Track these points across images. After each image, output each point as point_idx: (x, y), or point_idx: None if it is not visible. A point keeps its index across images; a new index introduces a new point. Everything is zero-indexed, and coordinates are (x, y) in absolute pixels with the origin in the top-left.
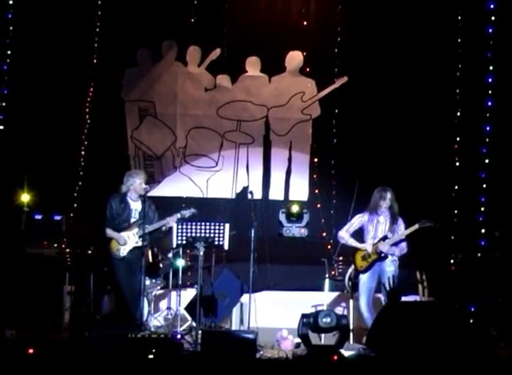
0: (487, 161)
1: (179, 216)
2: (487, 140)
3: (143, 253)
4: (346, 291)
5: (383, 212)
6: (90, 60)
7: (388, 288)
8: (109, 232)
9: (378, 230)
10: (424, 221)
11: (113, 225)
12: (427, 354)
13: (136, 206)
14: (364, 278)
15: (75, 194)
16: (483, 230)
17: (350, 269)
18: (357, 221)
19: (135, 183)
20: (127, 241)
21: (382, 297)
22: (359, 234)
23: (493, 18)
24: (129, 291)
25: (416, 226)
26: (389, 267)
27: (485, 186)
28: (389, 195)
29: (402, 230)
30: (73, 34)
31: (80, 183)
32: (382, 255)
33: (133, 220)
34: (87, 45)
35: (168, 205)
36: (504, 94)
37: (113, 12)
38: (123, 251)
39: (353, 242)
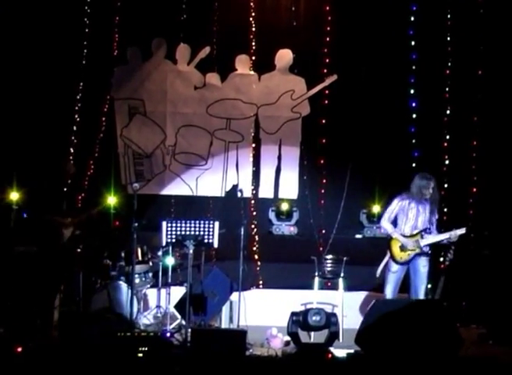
0: (476, 158)
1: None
2: (476, 138)
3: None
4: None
5: (423, 201)
6: (80, 58)
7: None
8: None
9: (418, 220)
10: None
11: None
12: (416, 352)
13: None
14: (395, 267)
15: (64, 192)
16: (472, 229)
17: (386, 258)
18: (398, 206)
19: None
20: None
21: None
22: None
23: (482, 16)
24: None
25: (463, 230)
26: (424, 267)
27: (474, 184)
28: (432, 185)
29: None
30: (62, 32)
31: (70, 181)
32: (424, 250)
33: None
34: (76, 43)
35: (157, 204)
36: (494, 92)
37: (102, 9)
38: None
39: (397, 235)
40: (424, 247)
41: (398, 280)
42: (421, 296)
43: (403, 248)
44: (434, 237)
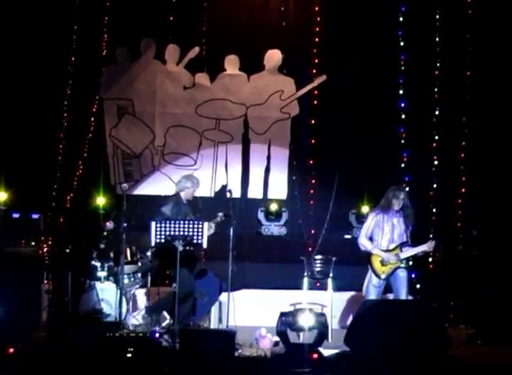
0: (465, 159)
1: (218, 220)
2: (465, 138)
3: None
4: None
5: (396, 214)
6: (68, 58)
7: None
8: None
9: (394, 233)
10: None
11: None
12: (404, 352)
13: (186, 210)
14: (377, 282)
15: (53, 193)
16: (461, 229)
17: (369, 274)
18: (373, 222)
19: (192, 189)
20: None
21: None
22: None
23: (471, 17)
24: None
25: (436, 242)
26: (403, 272)
27: (463, 184)
28: (402, 195)
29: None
30: (51, 32)
31: (58, 181)
32: (404, 263)
33: None
34: (64, 43)
35: (146, 204)
36: (483, 92)
37: (91, 9)
38: None
39: (377, 251)
40: (403, 260)
41: (379, 294)
42: (403, 297)
43: (384, 263)
44: (413, 250)
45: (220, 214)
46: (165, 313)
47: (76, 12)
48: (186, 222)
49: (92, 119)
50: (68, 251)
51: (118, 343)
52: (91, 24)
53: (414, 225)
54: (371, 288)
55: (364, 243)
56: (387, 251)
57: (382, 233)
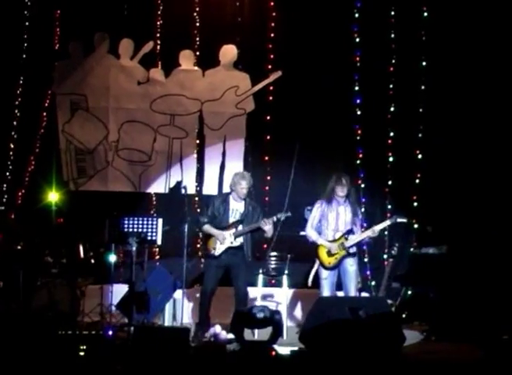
0: (420, 156)
1: (274, 219)
2: (420, 135)
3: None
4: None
5: (342, 202)
6: (20, 52)
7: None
8: (207, 228)
9: (338, 222)
10: (396, 217)
11: (213, 223)
12: (359, 349)
13: (237, 207)
14: (325, 274)
15: (4, 189)
16: (416, 226)
17: (316, 266)
18: (318, 212)
19: (238, 186)
20: (226, 240)
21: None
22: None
23: (426, 12)
24: (211, 289)
25: (387, 222)
26: (352, 266)
27: (418, 181)
28: (344, 181)
29: (359, 223)
30: (2, 26)
31: (10, 177)
32: (351, 251)
33: (231, 220)
34: (16, 37)
35: (100, 200)
36: (438, 89)
37: (43, 2)
38: (218, 250)
39: (322, 241)
40: (349, 248)
41: (332, 285)
42: (352, 294)
43: (330, 253)
44: (357, 237)
45: (282, 214)
46: (118, 311)
47: (27, 4)
48: (141, 218)
49: (44, 114)
50: (19, 247)
51: (70, 341)
52: (43, 18)
53: (359, 212)
54: (323, 282)
55: (310, 233)
56: (333, 241)
57: (327, 224)
